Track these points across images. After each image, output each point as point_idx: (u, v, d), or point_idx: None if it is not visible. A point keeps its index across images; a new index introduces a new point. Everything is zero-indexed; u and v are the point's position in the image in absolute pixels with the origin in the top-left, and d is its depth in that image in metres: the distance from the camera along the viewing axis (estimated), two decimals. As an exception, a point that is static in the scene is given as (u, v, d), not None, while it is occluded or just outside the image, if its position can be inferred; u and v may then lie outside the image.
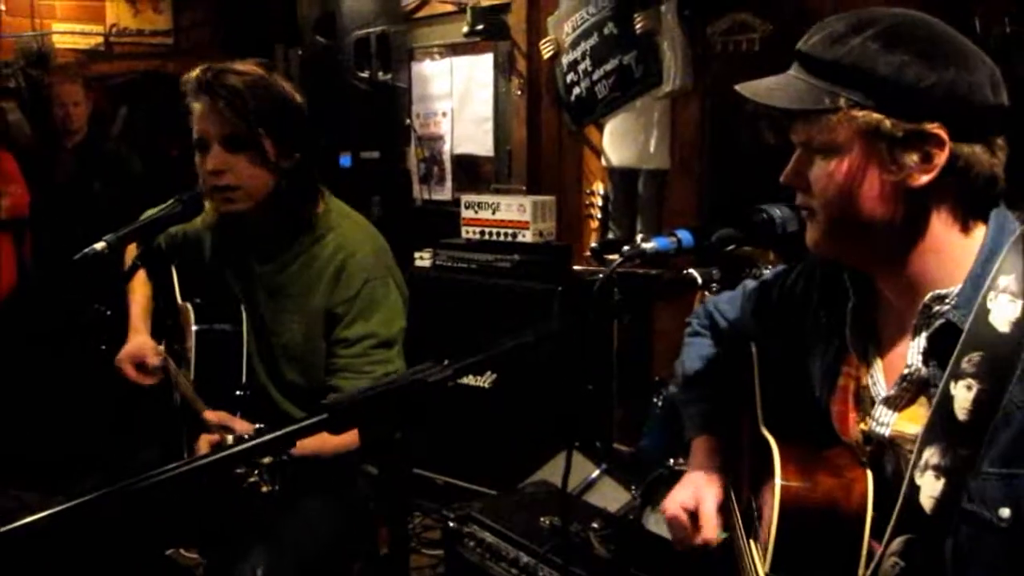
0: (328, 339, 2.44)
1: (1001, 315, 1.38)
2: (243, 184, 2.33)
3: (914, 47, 1.40)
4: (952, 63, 1.40)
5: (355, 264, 2.43)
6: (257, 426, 2.08)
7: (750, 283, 1.98)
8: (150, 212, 2.44)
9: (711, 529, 1.80)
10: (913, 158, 1.40)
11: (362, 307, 2.41)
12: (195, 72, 2.34)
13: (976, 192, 1.44)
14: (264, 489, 2.00)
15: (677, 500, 1.86)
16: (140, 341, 2.62)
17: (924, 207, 1.45)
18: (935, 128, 1.38)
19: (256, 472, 2.01)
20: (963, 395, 1.38)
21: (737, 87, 1.54)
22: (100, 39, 6.18)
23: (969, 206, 1.46)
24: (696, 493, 1.85)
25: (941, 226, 1.46)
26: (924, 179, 1.41)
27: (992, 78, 1.43)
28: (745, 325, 1.96)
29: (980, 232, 1.47)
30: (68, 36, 6.08)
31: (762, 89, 1.52)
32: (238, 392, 2.47)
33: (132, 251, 2.63)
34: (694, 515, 1.83)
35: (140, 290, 2.74)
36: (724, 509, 1.85)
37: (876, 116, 1.40)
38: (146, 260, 2.44)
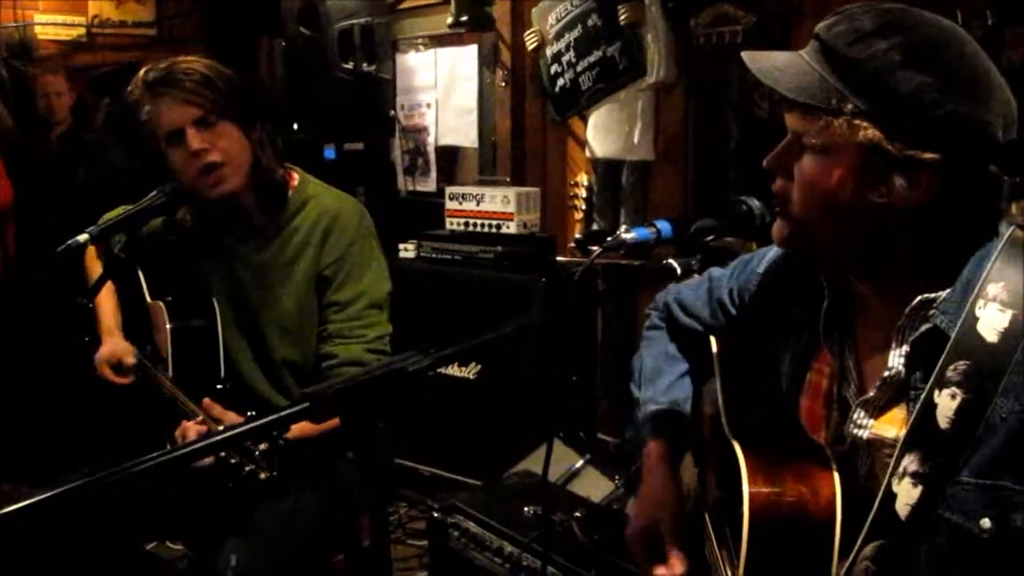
0: (320, 304, 2.46)
1: (989, 324, 1.34)
2: (228, 158, 2.36)
3: (939, 69, 1.32)
4: (972, 96, 1.34)
5: (340, 226, 2.47)
6: (249, 414, 2.09)
7: (716, 270, 1.93)
8: (126, 208, 2.44)
9: (680, 564, 1.73)
10: (902, 183, 1.35)
11: (351, 268, 2.45)
12: (140, 75, 2.38)
13: (964, 223, 1.40)
14: (262, 476, 2.01)
15: (636, 529, 1.81)
16: (115, 343, 2.61)
17: (905, 231, 1.40)
18: (932, 159, 1.33)
19: (252, 460, 2.01)
20: (947, 404, 1.35)
21: (744, 55, 1.46)
22: (83, 30, 6.17)
23: (956, 233, 1.42)
24: (656, 518, 1.79)
25: (922, 248, 1.43)
26: (908, 205, 1.36)
27: (1007, 116, 1.37)
28: (709, 315, 1.92)
29: (967, 242, 1.43)
30: (51, 27, 6.06)
31: (770, 67, 1.44)
32: (219, 386, 2.47)
33: (91, 253, 2.63)
34: (657, 540, 1.78)
35: (105, 290, 2.72)
36: (692, 518, 1.82)
37: (878, 133, 1.34)
38: (129, 253, 2.44)
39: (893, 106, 1.34)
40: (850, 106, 1.35)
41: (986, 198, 1.40)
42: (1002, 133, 1.37)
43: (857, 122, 1.35)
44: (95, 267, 2.70)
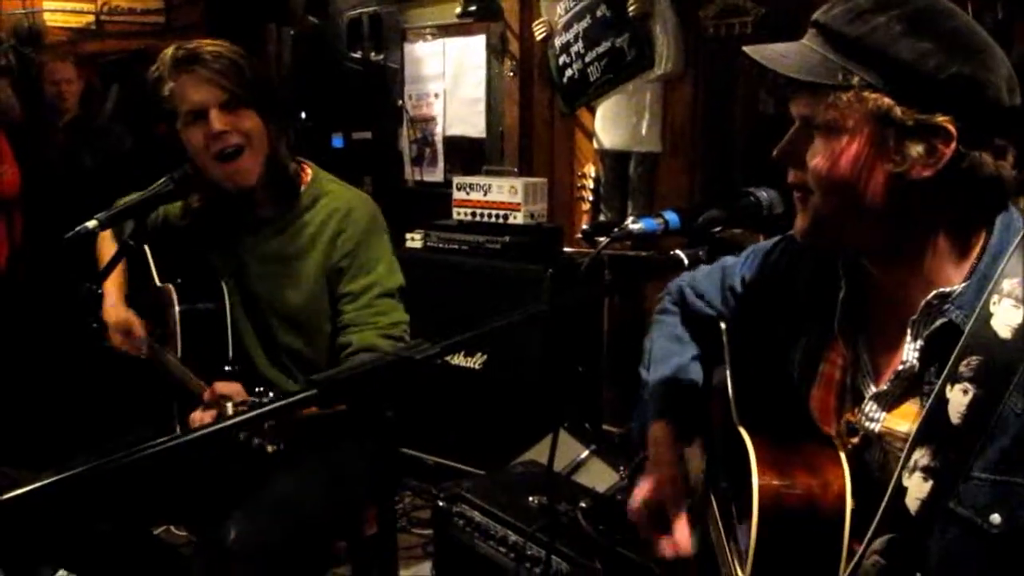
0: (333, 297, 2.48)
1: (1003, 320, 1.35)
2: (250, 141, 2.37)
3: (938, 36, 1.35)
4: (974, 58, 1.36)
5: (352, 220, 2.48)
6: (257, 389, 2.10)
7: (729, 259, 1.93)
8: (133, 196, 2.44)
9: (685, 540, 1.73)
10: (918, 150, 1.35)
11: (363, 260, 2.47)
12: (168, 52, 2.37)
13: (980, 193, 1.40)
14: (270, 449, 2.02)
15: (640, 501, 1.79)
16: (122, 311, 2.64)
17: (923, 203, 1.40)
18: (945, 122, 1.34)
19: (260, 434, 2.02)
20: (958, 399, 1.35)
21: (746, 48, 1.47)
22: (91, 17, 6.15)
23: (972, 207, 1.42)
24: (661, 492, 1.78)
25: (941, 224, 1.42)
26: (926, 173, 1.36)
27: (1009, 80, 1.39)
28: (721, 302, 1.92)
29: (984, 231, 1.43)
30: (59, 14, 6.04)
31: (772, 54, 1.45)
32: (227, 368, 2.48)
33: (106, 237, 2.64)
34: (661, 512, 1.78)
35: (112, 276, 2.72)
36: (699, 506, 1.81)
37: (889, 101, 1.35)
38: (138, 239, 2.45)
39: (900, 74, 1.36)
40: (857, 79, 1.37)
41: (996, 171, 1.39)
42: (1007, 96, 1.38)
43: (866, 94, 1.37)
44: (107, 252, 2.71)
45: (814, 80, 1.40)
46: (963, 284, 1.41)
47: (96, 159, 5.14)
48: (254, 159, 2.38)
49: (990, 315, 1.36)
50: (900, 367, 1.47)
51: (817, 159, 1.43)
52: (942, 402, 1.37)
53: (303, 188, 2.53)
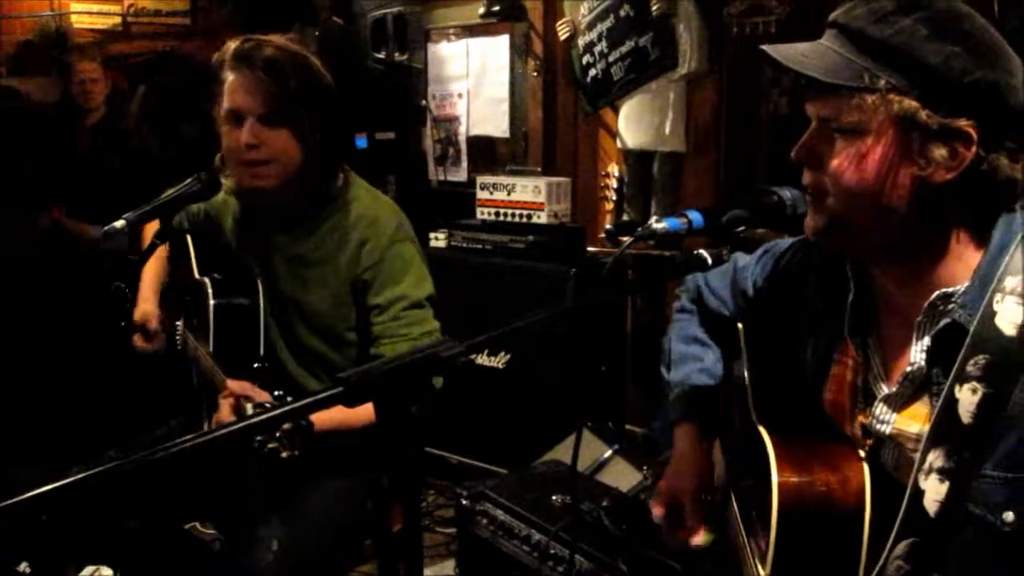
0: (359, 307, 2.47)
1: (1007, 318, 1.35)
2: (275, 159, 2.35)
3: (963, 40, 1.36)
4: (996, 63, 1.37)
5: (378, 230, 2.46)
6: (276, 393, 2.10)
7: (741, 259, 1.93)
8: (169, 191, 2.46)
9: (697, 532, 1.79)
10: (942, 153, 1.35)
11: (389, 271, 2.44)
12: (233, 44, 2.35)
13: (994, 197, 1.41)
14: (284, 454, 2.02)
15: (659, 495, 1.86)
16: (143, 310, 2.69)
17: (940, 205, 1.40)
18: (967, 126, 1.34)
19: (275, 438, 2.03)
20: (968, 398, 1.35)
21: (765, 48, 1.46)
22: (118, 19, 6.19)
23: (984, 210, 1.42)
24: (678, 488, 1.84)
25: (953, 226, 1.43)
26: (949, 176, 1.37)
27: None
28: (734, 303, 1.93)
29: (989, 233, 1.43)
30: (86, 16, 6.09)
31: (794, 55, 1.44)
32: (256, 364, 2.50)
33: (151, 229, 2.66)
34: (679, 513, 1.82)
35: (151, 265, 2.77)
36: (720, 504, 1.83)
37: (915, 104, 1.35)
38: (165, 238, 2.47)
39: (926, 77, 1.36)
40: (883, 82, 1.37)
41: (1011, 174, 1.39)
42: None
43: (891, 96, 1.36)
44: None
45: (840, 82, 1.40)
46: (966, 284, 1.41)
47: (123, 159, 5.18)
48: (277, 173, 2.36)
49: (994, 313, 1.36)
50: (908, 369, 1.47)
51: (840, 161, 1.43)
52: (952, 402, 1.37)
53: (335, 192, 2.52)
